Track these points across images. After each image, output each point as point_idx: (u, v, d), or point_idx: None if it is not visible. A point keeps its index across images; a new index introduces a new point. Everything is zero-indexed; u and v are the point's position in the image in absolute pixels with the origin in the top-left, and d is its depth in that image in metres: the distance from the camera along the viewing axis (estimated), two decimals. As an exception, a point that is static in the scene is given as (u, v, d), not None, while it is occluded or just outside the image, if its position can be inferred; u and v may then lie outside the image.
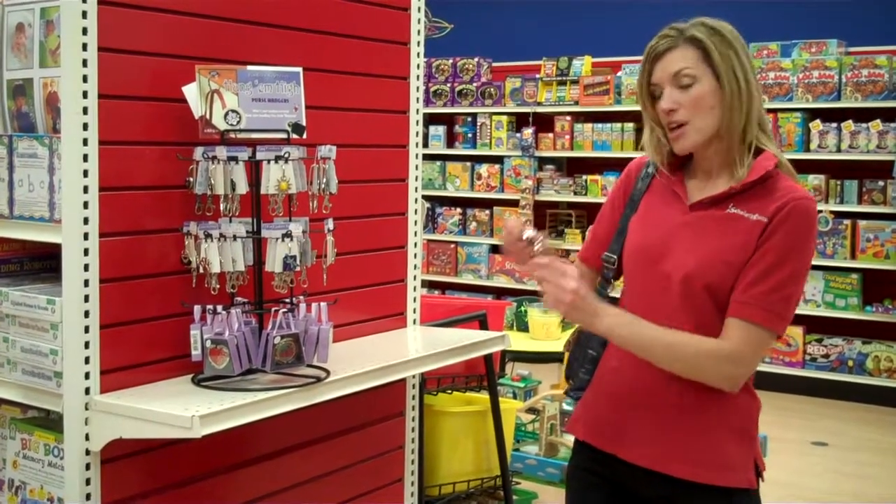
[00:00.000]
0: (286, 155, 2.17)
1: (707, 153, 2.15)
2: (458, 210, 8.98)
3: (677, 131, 2.12)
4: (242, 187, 2.17)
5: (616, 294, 2.29)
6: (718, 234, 2.09)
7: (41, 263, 2.41)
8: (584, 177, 8.24)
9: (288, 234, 2.17)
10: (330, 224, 2.27)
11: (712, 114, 2.08)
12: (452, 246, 8.99)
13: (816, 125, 7.27)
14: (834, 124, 7.21)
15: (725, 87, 2.07)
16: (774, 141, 2.15)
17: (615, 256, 2.26)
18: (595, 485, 2.27)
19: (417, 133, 2.90)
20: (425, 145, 8.79)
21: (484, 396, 3.27)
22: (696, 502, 2.13)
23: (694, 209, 2.15)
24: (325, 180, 2.25)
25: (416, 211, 2.90)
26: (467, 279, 8.86)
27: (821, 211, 7.25)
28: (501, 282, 8.69)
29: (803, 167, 7.38)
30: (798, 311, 8.05)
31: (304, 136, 2.26)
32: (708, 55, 2.08)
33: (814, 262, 7.47)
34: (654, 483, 2.16)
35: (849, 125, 7.15)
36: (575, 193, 8.30)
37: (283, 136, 2.23)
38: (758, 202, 2.07)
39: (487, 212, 8.84)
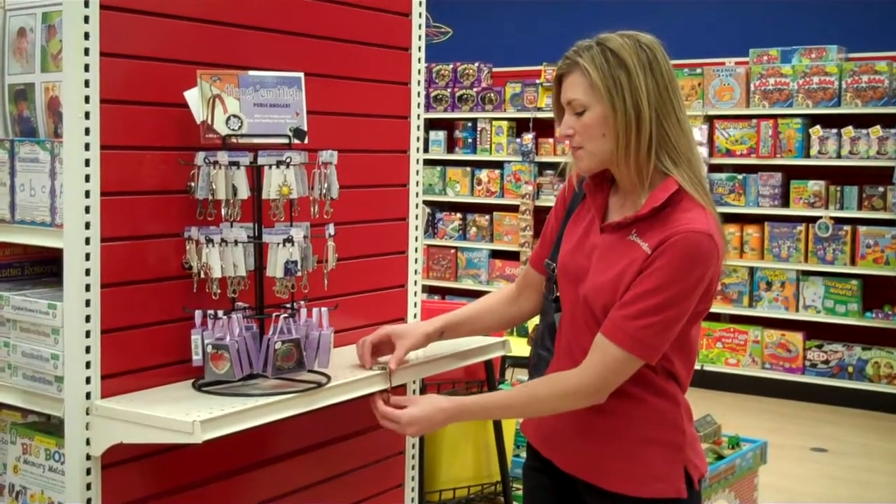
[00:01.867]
0: (287, 160, 2.17)
1: (617, 172, 2.16)
2: (459, 215, 8.99)
3: (575, 154, 2.15)
4: (244, 192, 2.17)
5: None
6: (617, 260, 2.11)
7: (42, 268, 2.41)
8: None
9: (289, 239, 2.17)
10: (331, 229, 2.27)
11: (604, 140, 2.08)
12: (453, 251, 9.00)
13: (816, 131, 7.28)
14: (834, 130, 7.22)
15: (618, 114, 2.05)
16: (694, 159, 2.11)
17: (555, 264, 2.30)
18: (544, 485, 2.35)
19: (418, 138, 2.90)
20: (425, 150, 8.75)
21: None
22: None
23: (604, 231, 2.17)
24: (326, 185, 2.25)
25: (416, 216, 2.91)
26: (467, 284, 8.86)
27: (820, 217, 7.25)
28: (502, 287, 8.69)
29: (803, 173, 7.41)
30: (797, 317, 7.96)
31: (306, 140, 2.26)
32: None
33: (814, 268, 7.37)
34: (589, 492, 2.22)
35: (849, 131, 7.15)
36: (575, 199, 8.30)
37: (285, 140, 2.23)
38: (654, 231, 2.07)
39: (488, 217, 8.85)
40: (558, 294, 2.29)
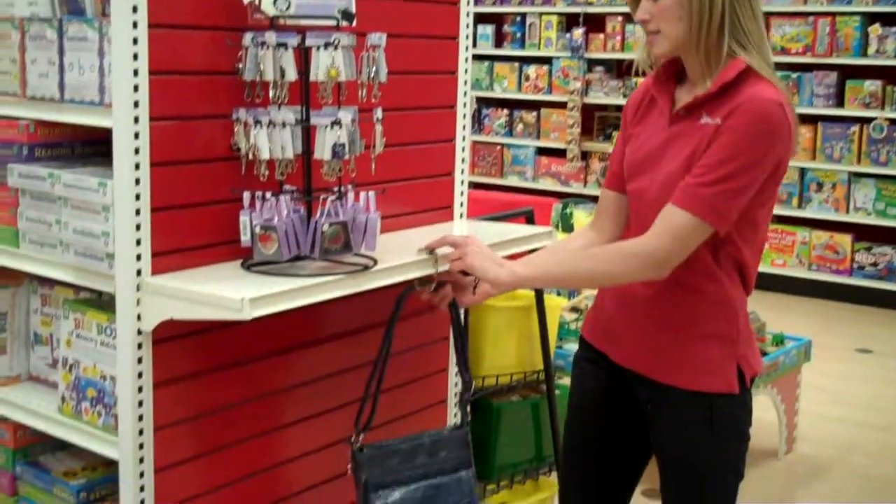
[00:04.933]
0: (336, 42, 2.15)
1: (688, 60, 2.18)
2: (505, 111, 8.92)
3: (651, 37, 2.17)
4: (291, 74, 2.16)
5: None
6: (688, 144, 2.12)
7: (92, 148, 2.43)
8: (634, 79, 8.12)
9: (337, 122, 2.16)
10: (378, 113, 2.26)
11: (680, 23, 2.11)
12: (498, 147, 8.95)
13: (875, 30, 7.09)
14: (893, 28, 7.03)
15: None
16: (764, 46, 2.13)
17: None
18: (593, 375, 2.38)
19: (468, 25, 2.86)
20: (473, 45, 8.66)
21: (528, 292, 3.29)
22: (679, 406, 2.20)
23: (674, 122, 2.18)
24: (374, 69, 2.23)
25: (465, 104, 2.88)
26: (513, 181, 8.84)
27: (875, 118, 7.11)
28: (547, 184, 8.66)
29: (859, 73, 7.24)
30: (847, 219, 7.90)
31: (354, 23, 2.23)
32: None
33: (866, 170, 7.28)
34: (641, 384, 2.25)
35: (909, 29, 6.97)
36: (624, 96, 8.20)
37: (333, 22, 2.21)
38: (723, 107, 2.08)
39: (535, 113, 8.77)
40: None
